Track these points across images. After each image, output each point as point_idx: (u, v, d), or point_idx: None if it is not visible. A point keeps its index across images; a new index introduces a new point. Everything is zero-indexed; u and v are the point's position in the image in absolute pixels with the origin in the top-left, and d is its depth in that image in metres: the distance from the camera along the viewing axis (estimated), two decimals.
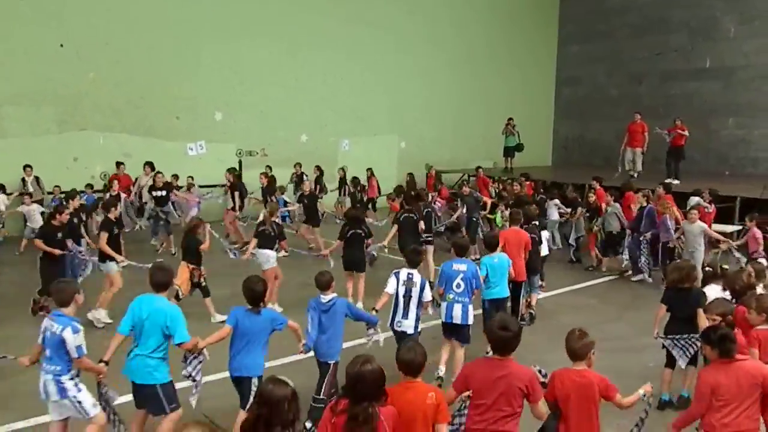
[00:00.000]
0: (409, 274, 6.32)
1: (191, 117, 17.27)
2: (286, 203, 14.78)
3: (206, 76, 17.29)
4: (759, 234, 9.99)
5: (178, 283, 7.97)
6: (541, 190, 15.50)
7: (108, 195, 12.67)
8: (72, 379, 4.72)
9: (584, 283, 11.38)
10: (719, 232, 10.79)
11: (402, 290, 6.24)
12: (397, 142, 21.70)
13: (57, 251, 8.45)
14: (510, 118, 20.21)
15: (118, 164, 14.96)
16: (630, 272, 11.73)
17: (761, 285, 6.29)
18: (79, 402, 4.70)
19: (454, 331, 6.68)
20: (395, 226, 10.12)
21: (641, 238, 11.13)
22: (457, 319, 6.56)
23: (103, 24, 15.53)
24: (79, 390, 4.73)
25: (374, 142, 20.87)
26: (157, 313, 4.90)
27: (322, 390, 5.61)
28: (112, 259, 8.53)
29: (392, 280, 6.33)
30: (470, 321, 6.64)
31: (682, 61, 21.90)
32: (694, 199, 12.01)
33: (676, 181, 15.94)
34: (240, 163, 17.83)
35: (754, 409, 4.11)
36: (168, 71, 16.63)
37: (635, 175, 17.05)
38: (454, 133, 22.82)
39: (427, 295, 6.33)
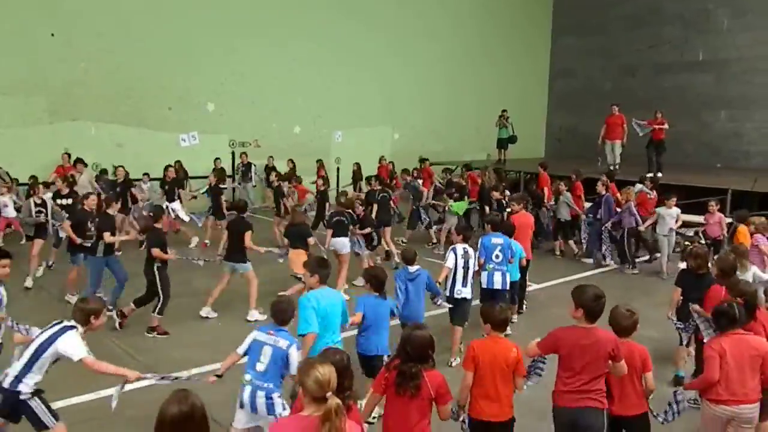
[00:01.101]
0: (464, 248, 7.19)
1: (183, 108, 17.18)
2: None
3: (198, 67, 17.20)
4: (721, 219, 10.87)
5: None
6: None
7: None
8: (280, 396, 4.52)
9: (577, 275, 11.40)
10: (694, 222, 11.68)
11: (461, 263, 7.09)
12: (390, 134, 21.67)
13: (168, 256, 7.97)
14: (504, 110, 20.22)
15: (66, 155, 14.08)
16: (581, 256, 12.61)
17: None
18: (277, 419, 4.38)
19: (493, 297, 7.31)
20: (330, 231, 9.78)
21: (602, 227, 11.73)
22: (498, 284, 7.60)
23: (95, 14, 15.40)
24: (284, 408, 4.46)
25: (367, 133, 20.83)
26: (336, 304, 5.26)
27: None
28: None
29: (451, 256, 7.17)
30: (508, 287, 7.73)
31: (676, 53, 21.96)
32: (638, 186, 12.72)
33: (659, 174, 15.79)
34: (233, 154, 17.78)
35: (756, 380, 4.46)
36: (160, 62, 16.52)
37: (617, 168, 16.72)
38: (448, 124, 22.80)
39: (475, 265, 7.30)
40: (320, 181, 13.47)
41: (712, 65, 21.09)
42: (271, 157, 17.46)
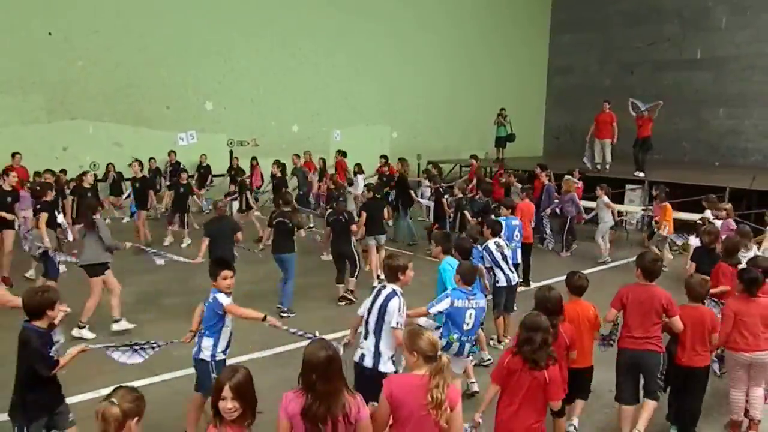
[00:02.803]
0: (496, 242, 7.71)
1: (181, 106, 17.15)
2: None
3: (196, 65, 17.16)
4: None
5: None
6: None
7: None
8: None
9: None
10: (688, 221, 12.43)
11: (499, 255, 7.63)
12: (388, 132, 21.65)
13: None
14: (502, 108, 20.20)
15: (14, 155, 13.42)
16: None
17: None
18: None
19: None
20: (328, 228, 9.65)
21: (542, 213, 12.76)
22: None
23: (93, 11, 15.37)
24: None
25: (366, 131, 20.81)
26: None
27: None
28: None
29: (486, 253, 7.69)
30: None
31: (674, 51, 21.95)
32: (567, 177, 13.85)
33: (641, 174, 15.83)
34: (231, 153, 17.74)
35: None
36: (158, 60, 16.49)
37: (607, 167, 16.71)
38: (446, 122, 22.79)
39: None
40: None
41: (710, 63, 21.09)
42: (204, 155, 16.54)
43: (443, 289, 5.83)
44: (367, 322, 4.83)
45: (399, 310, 4.66)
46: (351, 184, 14.56)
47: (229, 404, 3.02)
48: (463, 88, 23.10)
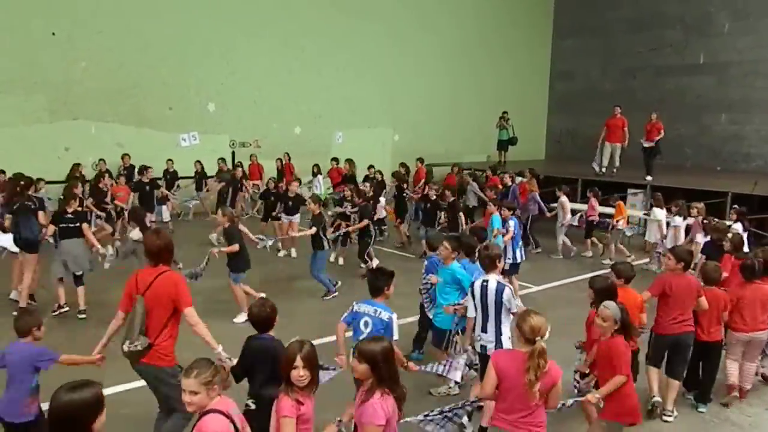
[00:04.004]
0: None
1: (184, 107, 17.17)
2: None
3: (199, 67, 17.19)
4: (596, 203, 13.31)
5: None
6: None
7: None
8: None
9: (577, 277, 11.41)
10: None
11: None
12: (390, 135, 21.66)
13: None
14: (504, 112, 20.21)
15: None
16: None
17: None
18: None
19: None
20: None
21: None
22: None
23: (95, 12, 15.39)
24: None
25: (368, 134, 20.82)
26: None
27: None
28: None
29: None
30: None
31: (676, 56, 21.95)
32: (518, 179, 14.92)
33: (648, 178, 15.96)
34: (233, 154, 17.76)
35: (766, 315, 6.34)
36: (160, 61, 16.51)
37: (614, 171, 16.85)
38: (448, 126, 22.77)
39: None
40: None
41: (712, 68, 21.08)
42: (171, 160, 16.16)
43: (459, 290, 6.24)
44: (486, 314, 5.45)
45: (513, 297, 5.44)
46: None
47: (301, 372, 3.47)
48: (465, 92, 23.10)
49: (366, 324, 4.92)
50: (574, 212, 13.53)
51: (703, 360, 6.32)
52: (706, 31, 21.16)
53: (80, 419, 2.82)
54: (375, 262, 10.76)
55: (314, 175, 16.22)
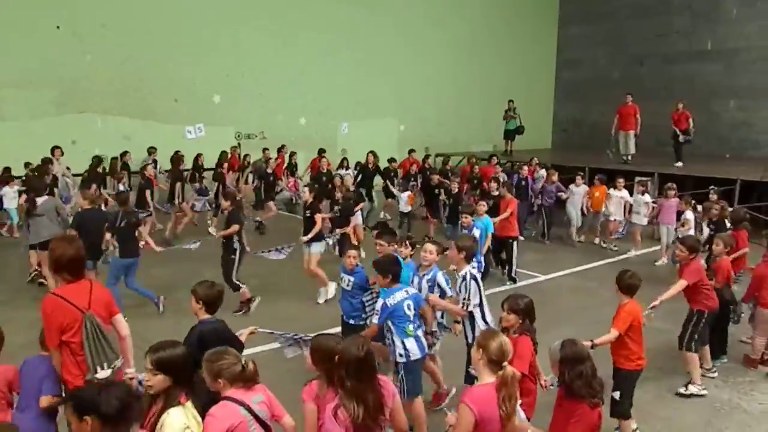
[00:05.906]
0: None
1: (190, 100, 17.17)
2: None
3: (205, 59, 17.16)
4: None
5: None
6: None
7: None
8: None
9: (585, 266, 11.39)
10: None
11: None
12: (396, 126, 21.61)
13: None
14: (510, 101, 20.11)
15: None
16: None
17: None
18: None
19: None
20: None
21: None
22: None
23: (101, 6, 15.38)
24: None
25: (374, 125, 20.77)
26: None
27: None
28: None
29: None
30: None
31: (684, 43, 21.77)
32: (542, 171, 14.85)
33: (679, 164, 16.17)
34: (239, 146, 17.76)
35: None
36: (166, 54, 16.50)
37: (629, 158, 16.90)
38: (454, 115, 22.71)
39: None
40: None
41: (720, 55, 20.90)
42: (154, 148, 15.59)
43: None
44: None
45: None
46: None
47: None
48: (470, 81, 23.00)
49: (409, 307, 4.94)
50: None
51: (720, 319, 6.87)
52: (713, 17, 20.97)
53: None
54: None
55: (345, 168, 15.34)
